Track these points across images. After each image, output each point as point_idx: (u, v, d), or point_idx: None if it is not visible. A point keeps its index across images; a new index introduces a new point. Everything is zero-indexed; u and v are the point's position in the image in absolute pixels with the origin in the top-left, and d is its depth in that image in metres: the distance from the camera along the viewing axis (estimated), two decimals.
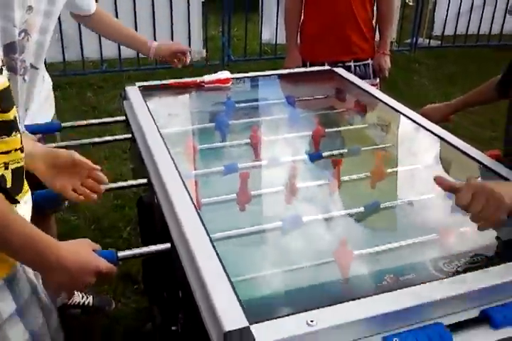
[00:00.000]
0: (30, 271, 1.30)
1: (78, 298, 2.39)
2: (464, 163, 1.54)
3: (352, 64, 2.85)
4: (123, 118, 1.91)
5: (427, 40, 6.70)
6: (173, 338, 1.34)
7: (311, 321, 0.92)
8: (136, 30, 5.24)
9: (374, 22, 3.04)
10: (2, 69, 1.09)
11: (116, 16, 5.06)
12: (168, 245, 1.25)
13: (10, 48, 1.59)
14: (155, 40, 6.28)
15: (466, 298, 1.01)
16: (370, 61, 2.93)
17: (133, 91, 1.90)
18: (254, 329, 0.90)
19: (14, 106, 1.13)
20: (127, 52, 5.24)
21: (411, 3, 7.16)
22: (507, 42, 6.37)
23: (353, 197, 1.56)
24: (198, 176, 1.57)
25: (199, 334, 1.01)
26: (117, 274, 2.54)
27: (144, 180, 1.50)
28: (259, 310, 0.97)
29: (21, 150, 1.16)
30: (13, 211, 1.09)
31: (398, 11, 6.07)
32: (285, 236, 1.36)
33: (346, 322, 0.93)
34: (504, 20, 6.39)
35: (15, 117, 1.13)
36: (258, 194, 1.51)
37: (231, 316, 0.93)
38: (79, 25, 4.97)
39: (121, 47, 5.16)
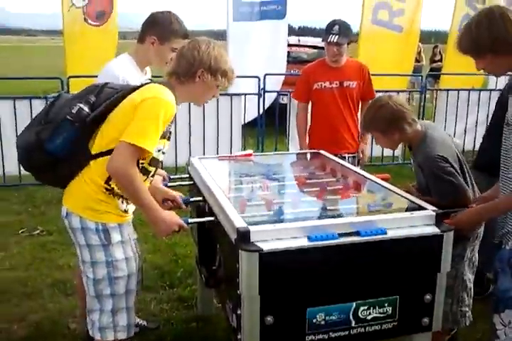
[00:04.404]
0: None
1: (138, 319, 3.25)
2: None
3: (346, 155, 4.19)
4: (187, 175, 3.24)
5: None
6: (213, 272, 2.51)
7: (274, 225, 2.13)
8: (189, 146, 6.75)
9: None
10: (161, 151, 2.46)
11: (175, 135, 6.60)
12: (212, 218, 2.47)
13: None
14: (204, 154, 7.71)
15: (349, 224, 2.19)
16: (356, 154, 4.26)
17: (195, 160, 3.24)
18: (250, 227, 2.10)
19: (156, 167, 2.49)
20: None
21: (414, 104, 9.05)
22: None
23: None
24: (231, 198, 2.80)
25: (227, 252, 2.20)
26: (175, 297, 3.66)
27: (200, 198, 2.77)
28: (253, 222, 2.18)
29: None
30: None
31: None
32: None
33: (291, 227, 2.14)
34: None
35: (153, 170, 2.48)
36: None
37: (240, 224, 2.14)
38: None
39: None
